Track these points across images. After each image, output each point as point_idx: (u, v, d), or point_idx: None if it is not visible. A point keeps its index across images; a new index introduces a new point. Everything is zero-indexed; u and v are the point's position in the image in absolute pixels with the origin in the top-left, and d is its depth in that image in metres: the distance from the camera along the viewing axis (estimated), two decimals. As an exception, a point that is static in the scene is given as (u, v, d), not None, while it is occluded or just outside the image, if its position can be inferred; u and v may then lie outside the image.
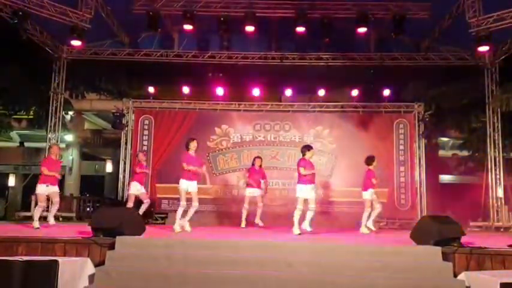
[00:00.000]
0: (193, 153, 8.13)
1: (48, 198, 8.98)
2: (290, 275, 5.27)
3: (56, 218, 12.75)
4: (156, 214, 12.49)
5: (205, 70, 13.89)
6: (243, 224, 10.10)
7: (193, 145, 8.10)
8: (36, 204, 9.08)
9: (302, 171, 8.03)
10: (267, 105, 13.74)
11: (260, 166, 10.45)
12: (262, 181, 10.33)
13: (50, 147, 11.62)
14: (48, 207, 9.35)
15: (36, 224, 8.39)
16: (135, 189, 9.73)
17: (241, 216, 10.15)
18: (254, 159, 10.59)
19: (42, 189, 8.67)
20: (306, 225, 8.35)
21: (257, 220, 10.23)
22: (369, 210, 8.98)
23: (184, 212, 8.08)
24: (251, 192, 10.17)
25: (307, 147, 8.43)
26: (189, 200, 8.00)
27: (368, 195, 8.97)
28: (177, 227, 7.98)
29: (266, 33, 13.33)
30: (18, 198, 20.69)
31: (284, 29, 12.53)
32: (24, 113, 16.71)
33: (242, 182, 11.60)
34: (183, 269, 5.40)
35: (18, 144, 21.19)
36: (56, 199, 8.87)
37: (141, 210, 9.40)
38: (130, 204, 9.45)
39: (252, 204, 10.23)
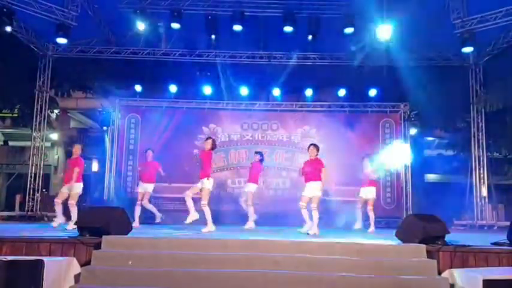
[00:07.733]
0: None
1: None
2: (277, 273, 5.28)
3: (42, 217, 12.78)
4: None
5: (193, 69, 13.86)
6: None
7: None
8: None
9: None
10: (255, 105, 13.74)
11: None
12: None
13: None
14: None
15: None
16: None
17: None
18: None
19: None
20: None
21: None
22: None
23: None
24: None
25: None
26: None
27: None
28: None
29: (254, 33, 13.34)
30: (2, 198, 20.38)
31: (272, 28, 12.55)
32: (9, 111, 16.47)
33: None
34: (170, 268, 5.37)
35: (2, 143, 20.88)
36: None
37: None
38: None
39: None
